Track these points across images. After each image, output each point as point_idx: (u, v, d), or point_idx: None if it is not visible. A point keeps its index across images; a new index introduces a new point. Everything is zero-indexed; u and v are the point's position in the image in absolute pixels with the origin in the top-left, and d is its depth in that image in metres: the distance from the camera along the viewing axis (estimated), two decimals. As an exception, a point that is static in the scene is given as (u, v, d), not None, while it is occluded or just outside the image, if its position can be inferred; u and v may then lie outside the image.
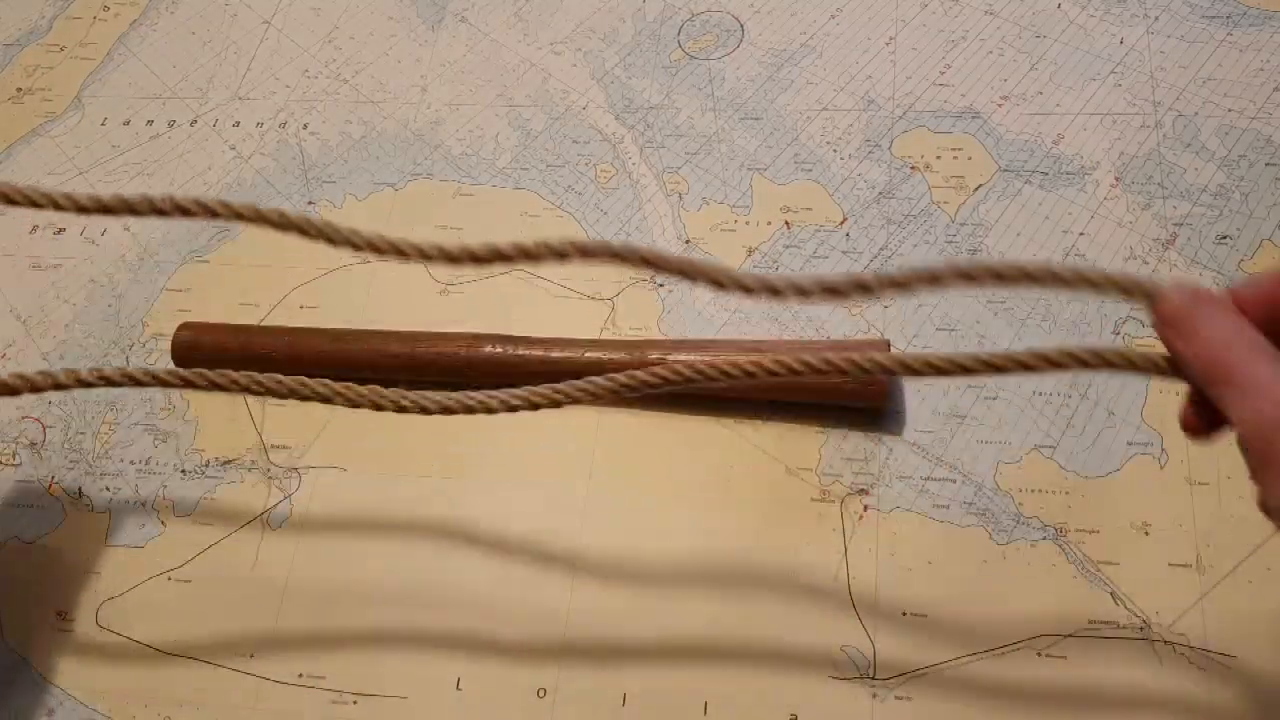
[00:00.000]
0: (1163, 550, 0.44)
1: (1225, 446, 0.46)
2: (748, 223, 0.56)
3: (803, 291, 0.35)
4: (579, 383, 0.36)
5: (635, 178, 0.58)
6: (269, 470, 0.52)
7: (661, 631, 0.46)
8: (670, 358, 0.49)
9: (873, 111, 0.58)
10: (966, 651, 0.43)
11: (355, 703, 0.46)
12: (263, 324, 0.56)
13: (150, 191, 0.50)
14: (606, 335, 0.53)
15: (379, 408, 0.38)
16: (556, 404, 0.36)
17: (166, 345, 0.55)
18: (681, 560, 0.47)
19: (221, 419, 0.54)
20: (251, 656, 0.48)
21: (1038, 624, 0.43)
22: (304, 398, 0.38)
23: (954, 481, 0.47)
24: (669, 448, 0.50)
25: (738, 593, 0.46)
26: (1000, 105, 0.57)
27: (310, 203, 0.60)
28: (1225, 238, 0.51)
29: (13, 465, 0.55)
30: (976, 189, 0.54)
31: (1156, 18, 0.58)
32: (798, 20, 0.63)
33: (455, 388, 0.52)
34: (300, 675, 0.47)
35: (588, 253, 0.35)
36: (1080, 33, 0.59)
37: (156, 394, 0.55)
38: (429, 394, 0.38)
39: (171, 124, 0.66)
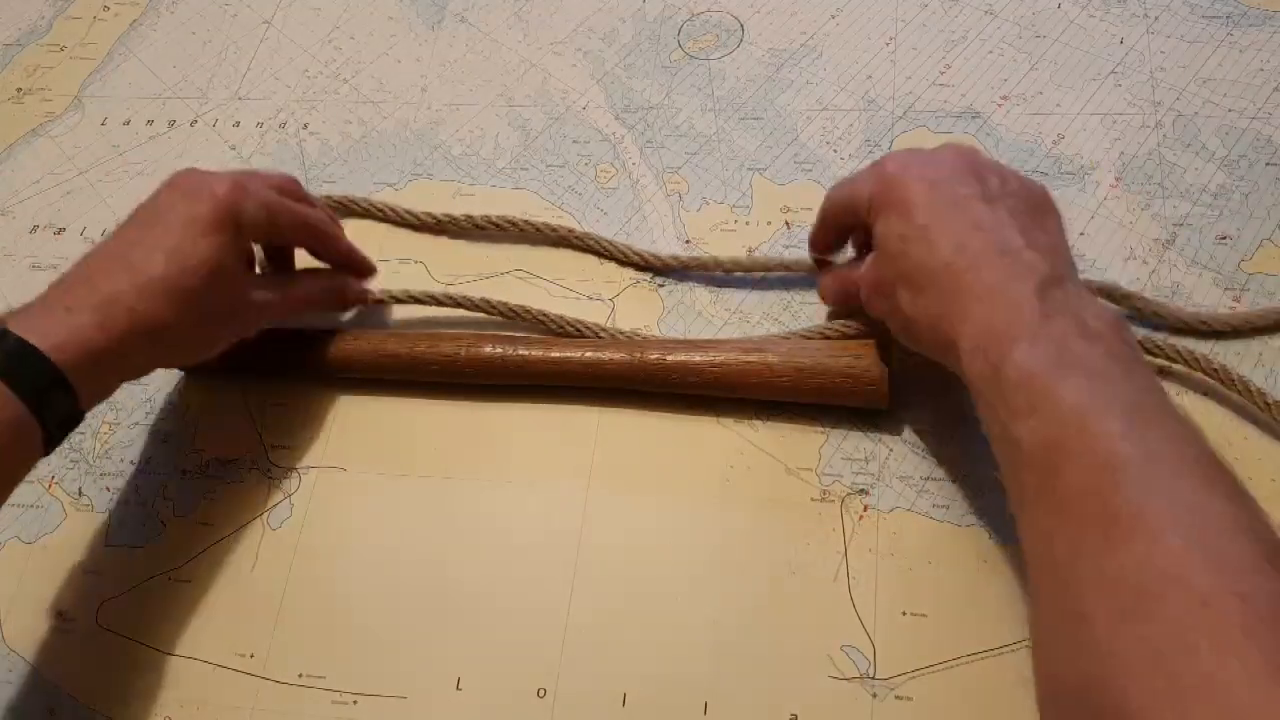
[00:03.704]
0: (1163, 550, 0.44)
1: (1224, 446, 0.46)
2: (748, 223, 0.56)
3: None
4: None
5: (635, 178, 0.58)
6: (269, 470, 0.52)
7: (661, 631, 0.46)
8: (670, 358, 0.49)
9: (873, 111, 0.58)
10: (966, 651, 0.43)
11: (355, 703, 0.46)
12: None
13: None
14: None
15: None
16: None
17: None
18: (681, 560, 0.47)
19: (221, 419, 0.54)
20: (251, 656, 0.48)
21: (1038, 624, 0.43)
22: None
23: (954, 481, 0.47)
24: (669, 448, 0.50)
25: (738, 593, 0.46)
26: (1000, 105, 0.57)
27: (310, 203, 0.60)
28: (1225, 238, 0.51)
29: (13, 465, 0.55)
30: (976, 189, 0.54)
31: (1156, 18, 0.58)
32: (798, 20, 0.63)
33: (455, 388, 0.53)
34: (300, 675, 0.47)
35: None
36: (1080, 33, 0.59)
37: (156, 394, 0.55)
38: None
39: (171, 124, 0.66)
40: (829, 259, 0.51)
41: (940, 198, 0.41)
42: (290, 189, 0.52)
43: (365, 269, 0.55)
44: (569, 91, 0.63)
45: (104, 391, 0.45)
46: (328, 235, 0.53)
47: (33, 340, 0.41)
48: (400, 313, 0.56)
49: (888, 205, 0.42)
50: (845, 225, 0.48)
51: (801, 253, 0.53)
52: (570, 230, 0.56)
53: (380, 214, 0.59)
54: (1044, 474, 0.33)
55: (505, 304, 0.53)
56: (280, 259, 0.54)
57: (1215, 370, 0.46)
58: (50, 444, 0.43)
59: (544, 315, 0.53)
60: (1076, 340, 0.35)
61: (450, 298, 0.54)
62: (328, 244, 0.53)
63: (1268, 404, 0.45)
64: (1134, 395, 0.34)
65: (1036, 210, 0.41)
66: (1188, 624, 0.28)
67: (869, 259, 0.44)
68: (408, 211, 0.58)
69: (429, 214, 0.57)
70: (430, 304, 0.55)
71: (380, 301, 0.55)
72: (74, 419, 0.43)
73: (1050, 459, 0.33)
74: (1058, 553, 0.32)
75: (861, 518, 0.47)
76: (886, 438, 0.48)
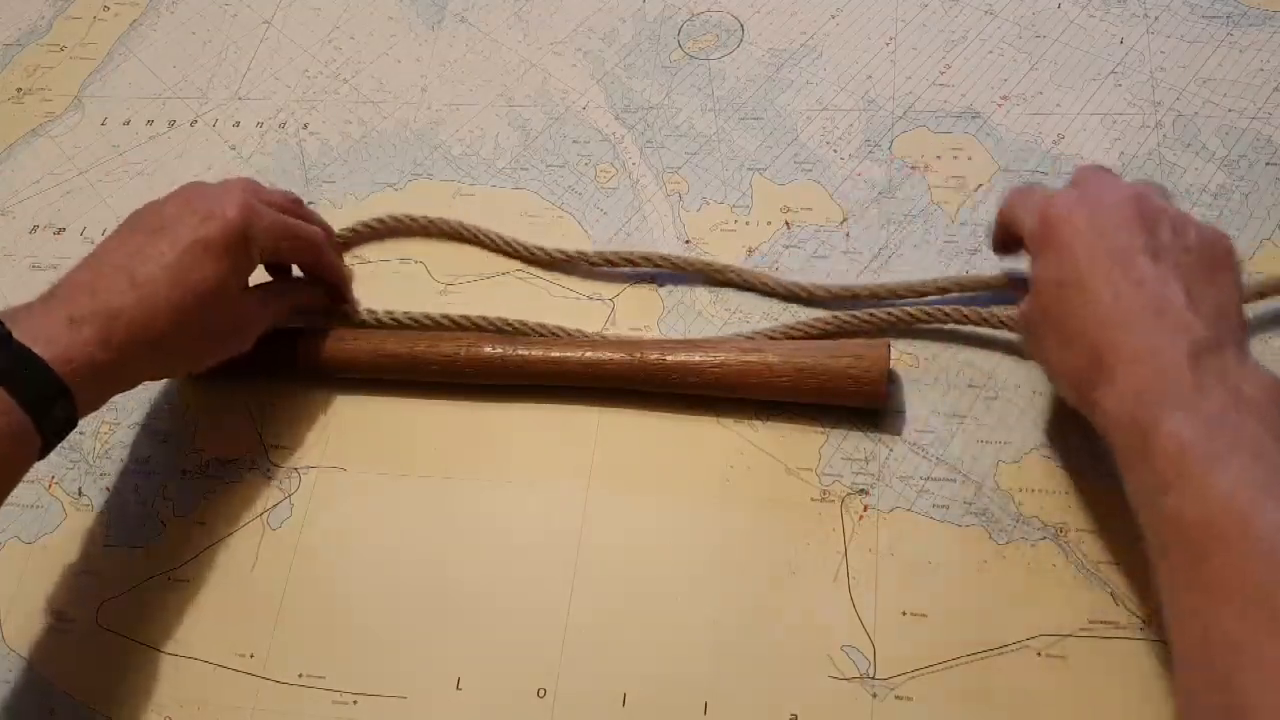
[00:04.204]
0: (1163, 550, 0.44)
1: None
2: (748, 223, 0.56)
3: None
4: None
5: (635, 178, 0.58)
6: (269, 470, 0.52)
7: (661, 631, 0.46)
8: (670, 358, 0.49)
9: (873, 111, 0.58)
10: (966, 651, 0.43)
11: (355, 703, 0.46)
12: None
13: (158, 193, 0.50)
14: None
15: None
16: None
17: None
18: (681, 560, 0.47)
19: (221, 419, 0.54)
20: (251, 656, 0.48)
21: (1038, 624, 0.43)
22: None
23: (954, 481, 0.47)
24: (669, 448, 0.50)
25: (738, 593, 0.46)
26: (1000, 105, 0.57)
27: (310, 203, 0.60)
28: (1225, 238, 0.51)
29: (13, 465, 0.55)
30: (976, 189, 0.54)
31: (1156, 18, 0.58)
32: (798, 20, 0.63)
33: (455, 388, 0.53)
34: (300, 675, 0.47)
35: None
36: (1080, 33, 0.59)
37: (156, 394, 0.55)
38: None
39: (172, 124, 0.66)
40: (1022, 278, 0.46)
41: (1102, 247, 0.38)
42: (293, 209, 0.53)
43: (349, 296, 0.56)
44: (569, 91, 0.63)
45: (99, 401, 0.45)
46: (327, 257, 0.54)
47: (36, 349, 0.41)
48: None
49: (1047, 246, 0.40)
50: (1013, 241, 0.45)
51: (979, 268, 0.52)
52: (727, 267, 0.53)
53: (492, 243, 0.57)
54: (1195, 555, 0.32)
55: (487, 319, 0.53)
56: (279, 269, 0.54)
57: None
58: (44, 450, 0.43)
59: (523, 324, 0.53)
60: (1231, 413, 0.33)
61: (431, 318, 0.53)
62: (325, 266, 0.54)
63: None
64: None
65: (1211, 266, 0.38)
66: None
67: (1027, 296, 0.42)
68: (537, 248, 0.55)
69: (560, 251, 0.55)
70: (414, 327, 0.53)
71: (365, 324, 0.54)
72: (69, 426, 0.43)
73: (1202, 540, 0.32)
74: (1212, 638, 0.31)
75: (861, 518, 0.47)
76: (886, 438, 0.48)
